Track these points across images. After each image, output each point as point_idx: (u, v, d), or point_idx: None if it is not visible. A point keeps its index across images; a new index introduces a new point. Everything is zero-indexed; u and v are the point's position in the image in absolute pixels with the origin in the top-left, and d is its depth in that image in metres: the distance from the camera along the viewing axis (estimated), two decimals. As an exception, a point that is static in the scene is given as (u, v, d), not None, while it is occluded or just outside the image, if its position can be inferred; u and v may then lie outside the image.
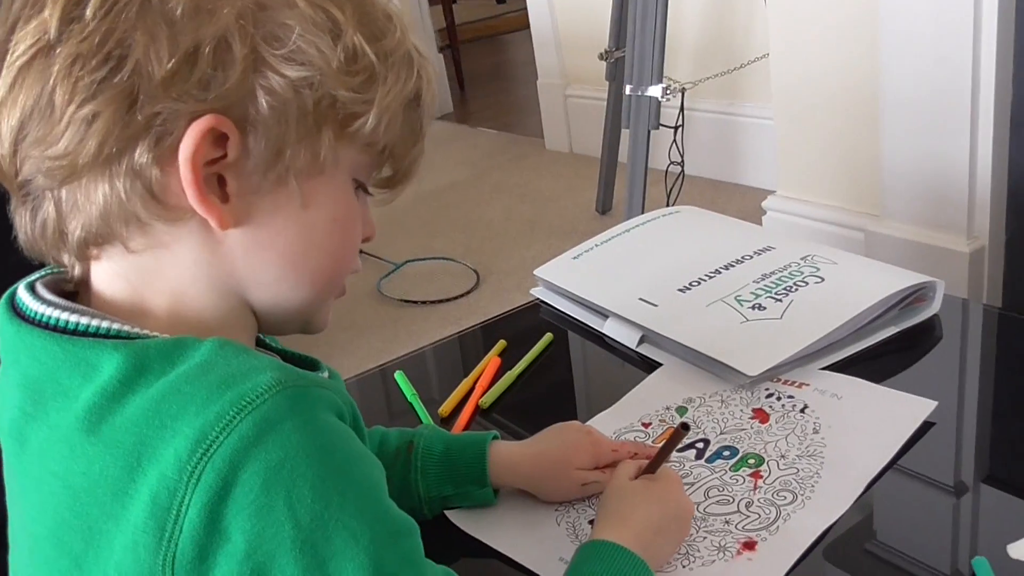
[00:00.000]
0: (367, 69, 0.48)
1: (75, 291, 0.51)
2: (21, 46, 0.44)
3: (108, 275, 0.49)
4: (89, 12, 0.44)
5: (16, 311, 0.49)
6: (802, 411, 0.77)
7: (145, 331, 0.46)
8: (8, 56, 0.45)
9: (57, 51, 0.44)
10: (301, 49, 0.46)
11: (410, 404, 0.89)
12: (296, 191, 0.48)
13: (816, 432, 0.74)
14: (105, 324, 0.46)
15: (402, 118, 0.51)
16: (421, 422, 0.85)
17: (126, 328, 0.46)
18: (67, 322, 0.47)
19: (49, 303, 0.48)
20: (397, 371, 0.94)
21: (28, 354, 0.47)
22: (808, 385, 0.80)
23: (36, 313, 0.48)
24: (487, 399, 0.87)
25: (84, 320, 0.46)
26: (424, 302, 2.11)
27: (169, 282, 0.48)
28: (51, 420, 0.45)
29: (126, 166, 0.45)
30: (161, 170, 0.45)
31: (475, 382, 0.90)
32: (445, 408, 0.87)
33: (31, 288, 0.49)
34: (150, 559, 0.42)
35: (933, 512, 0.68)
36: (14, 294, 0.50)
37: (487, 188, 2.77)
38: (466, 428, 0.84)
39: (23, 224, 0.49)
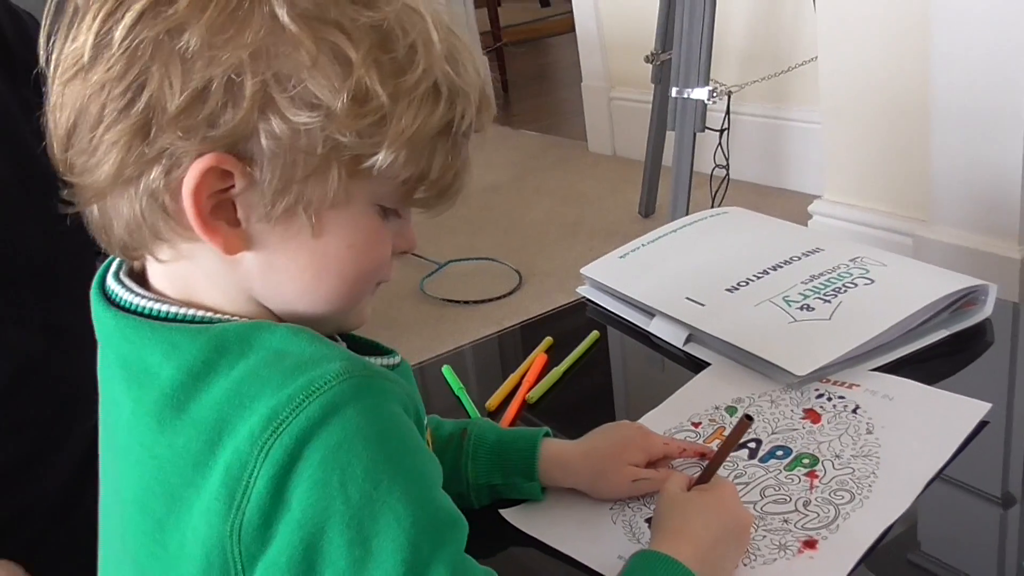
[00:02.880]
0: (377, 110, 0.46)
1: (142, 275, 0.53)
2: (66, 63, 0.47)
3: (156, 275, 0.52)
4: (116, 40, 0.45)
5: (107, 298, 0.53)
6: (854, 411, 0.77)
7: (224, 316, 0.50)
8: (59, 69, 0.48)
9: (90, 74, 0.46)
10: (308, 90, 0.45)
11: (457, 398, 0.90)
12: (306, 222, 0.48)
13: (870, 432, 0.73)
14: (191, 312, 0.50)
15: (429, 149, 0.49)
16: (468, 416, 0.86)
17: (208, 315, 0.50)
18: (157, 311, 0.50)
19: (137, 293, 0.51)
20: (445, 365, 0.94)
21: (120, 335, 0.51)
22: (859, 386, 0.80)
23: (128, 302, 0.51)
24: (534, 394, 0.88)
25: (173, 309, 0.50)
26: (466, 302, 2.12)
27: (201, 289, 0.51)
28: (137, 395, 0.49)
29: (143, 188, 0.47)
30: (171, 197, 0.47)
31: (522, 378, 0.91)
32: (492, 402, 0.88)
33: (116, 276, 0.53)
34: (220, 524, 0.45)
35: (980, 523, 0.67)
36: (103, 283, 0.54)
37: (530, 190, 2.78)
38: (513, 422, 0.85)
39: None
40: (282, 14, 0.45)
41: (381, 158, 0.47)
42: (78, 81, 0.47)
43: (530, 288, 2.16)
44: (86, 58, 0.46)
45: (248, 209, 0.48)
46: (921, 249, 1.66)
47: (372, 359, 0.53)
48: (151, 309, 0.50)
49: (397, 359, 0.56)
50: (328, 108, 0.45)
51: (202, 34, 0.45)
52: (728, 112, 2.02)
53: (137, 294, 0.51)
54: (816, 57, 1.87)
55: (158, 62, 0.45)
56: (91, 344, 0.54)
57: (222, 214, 0.47)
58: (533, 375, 0.91)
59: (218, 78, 0.45)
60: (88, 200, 0.49)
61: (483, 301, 2.12)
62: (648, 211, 2.44)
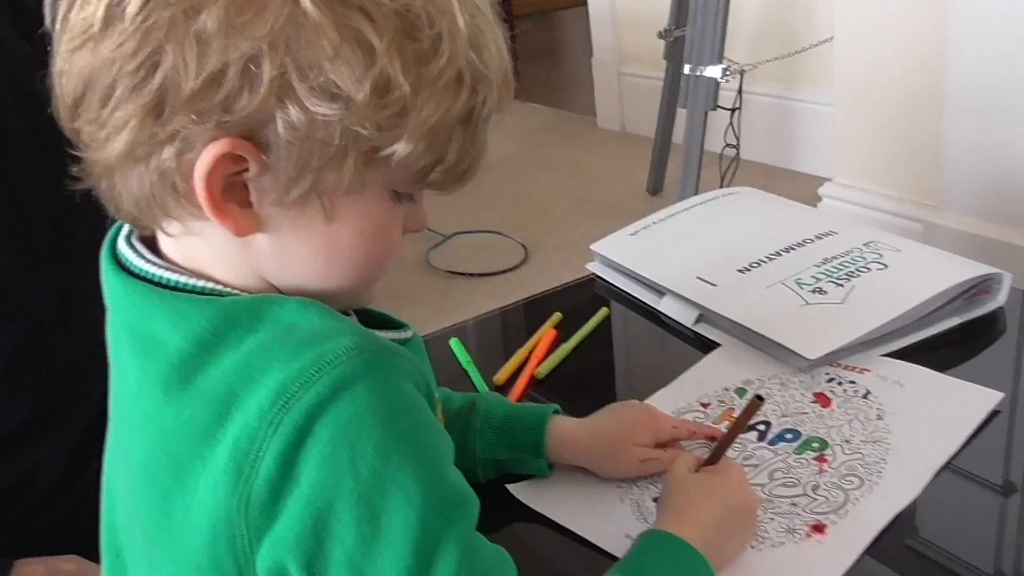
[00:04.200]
0: (399, 101, 0.45)
1: (153, 240, 0.53)
2: (74, 31, 0.46)
3: (168, 246, 0.51)
4: (129, 14, 0.44)
5: (119, 263, 0.52)
6: (864, 397, 0.76)
7: (234, 289, 0.49)
8: (66, 35, 0.46)
9: (101, 47, 0.45)
10: (330, 80, 0.44)
11: (464, 371, 0.89)
12: (319, 207, 0.47)
13: (880, 418, 0.73)
14: (200, 283, 0.49)
15: (447, 137, 0.48)
16: (476, 389, 0.86)
17: (219, 288, 0.49)
18: (167, 279, 0.49)
19: (148, 260, 0.51)
20: (453, 338, 0.94)
21: (128, 301, 0.50)
22: (869, 371, 0.80)
23: (140, 269, 0.51)
24: (543, 370, 0.88)
25: (182, 279, 0.49)
26: (472, 275, 2.12)
27: (210, 264, 0.50)
28: (143, 363, 0.48)
29: (153, 166, 0.46)
30: (183, 178, 0.46)
31: (531, 352, 0.90)
32: (501, 376, 0.87)
33: (128, 240, 0.52)
34: (227, 498, 0.45)
35: (981, 511, 0.67)
36: (115, 247, 0.53)
37: (537, 164, 2.77)
38: (521, 397, 0.84)
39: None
40: (305, 0, 0.43)
41: (400, 148, 0.46)
42: (86, 51, 0.45)
43: (535, 263, 2.16)
44: (96, 28, 0.45)
45: (260, 193, 0.47)
46: (931, 235, 1.65)
47: (384, 333, 0.52)
48: (161, 277, 0.49)
49: (409, 333, 0.55)
50: (349, 98, 0.44)
51: (220, 16, 0.43)
52: (740, 91, 2.01)
53: (148, 260, 0.50)
54: (831, 38, 1.85)
55: (173, 42, 0.43)
56: (104, 309, 0.53)
57: (233, 195, 0.46)
58: (542, 350, 0.90)
59: (235, 63, 0.43)
60: (97, 175, 0.48)
61: (489, 274, 2.12)
62: (656, 189, 2.43)
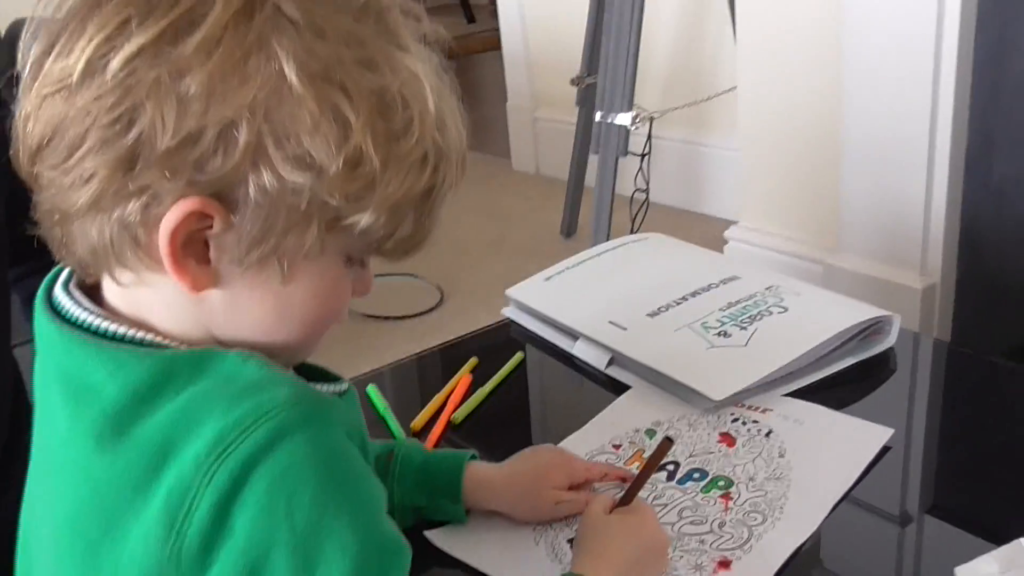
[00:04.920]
0: (368, 175, 0.47)
1: (94, 287, 0.52)
2: (49, 78, 0.46)
3: (112, 294, 0.51)
4: (111, 70, 0.44)
5: (53, 309, 0.52)
6: (767, 436, 0.80)
7: (172, 343, 0.49)
8: (38, 80, 0.47)
9: (76, 97, 0.45)
10: (306, 151, 0.45)
11: (381, 419, 0.90)
12: (277, 269, 0.48)
13: (782, 456, 0.77)
14: (140, 334, 0.49)
15: (407, 211, 0.50)
16: (393, 436, 0.87)
17: (158, 340, 0.49)
18: (105, 329, 0.49)
19: (87, 309, 0.50)
20: (369, 385, 0.95)
21: (62, 348, 0.50)
22: (771, 411, 0.83)
23: (75, 317, 0.50)
24: (459, 415, 0.89)
25: (121, 329, 0.49)
26: (387, 317, 2.12)
27: (156, 315, 0.50)
28: (75, 411, 0.48)
29: (116, 218, 0.47)
30: (146, 230, 0.47)
31: (447, 398, 0.92)
32: (417, 423, 0.88)
33: (65, 288, 0.52)
34: (158, 549, 0.44)
35: (879, 540, 0.71)
36: (50, 293, 0.52)
37: (452, 205, 2.78)
38: (437, 443, 0.85)
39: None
40: (290, 73, 0.45)
41: (364, 220, 0.48)
42: (60, 99, 0.45)
43: (451, 305, 2.17)
44: (74, 79, 0.45)
45: (220, 250, 0.47)
46: (830, 277, 1.72)
47: (320, 386, 0.53)
48: (98, 327, 0.49)
49: (344, 386, 0.56)
50: (322, 169, 0.46)
51: (203, 80, 0.44)
52: (650, 137, 2.07)
53: (86, 309, 0.50)
54: (735, 87, 1.93)
55: (153, 100, 0.44)
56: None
57: (192, 250, 0.47)
58: (458, 396, 0.92)
59: (213, 126, 0.44)
60: (53, 223, 0.48)
61: (404, 317, 2.12)
62: (570, 231, 2.47)
